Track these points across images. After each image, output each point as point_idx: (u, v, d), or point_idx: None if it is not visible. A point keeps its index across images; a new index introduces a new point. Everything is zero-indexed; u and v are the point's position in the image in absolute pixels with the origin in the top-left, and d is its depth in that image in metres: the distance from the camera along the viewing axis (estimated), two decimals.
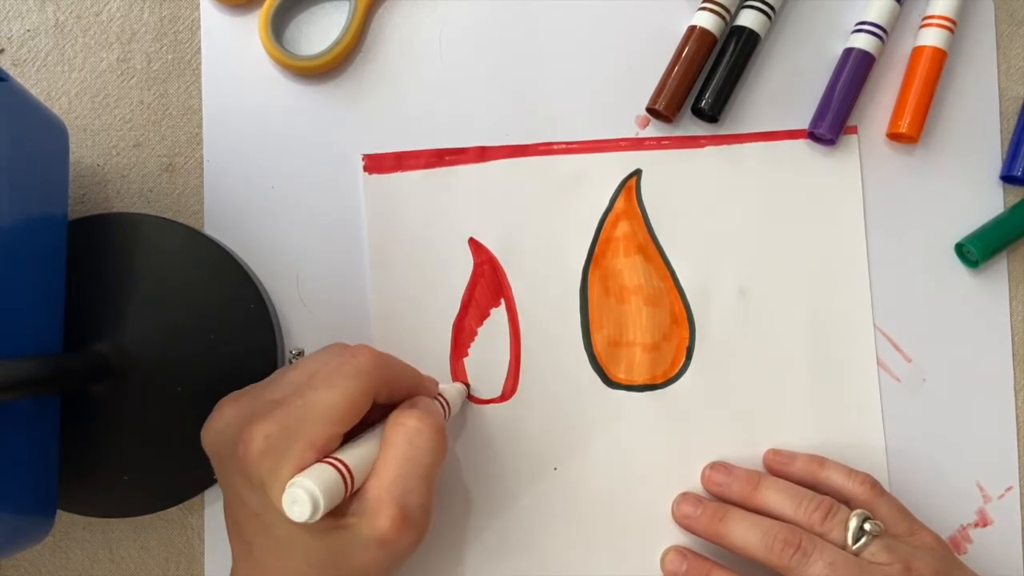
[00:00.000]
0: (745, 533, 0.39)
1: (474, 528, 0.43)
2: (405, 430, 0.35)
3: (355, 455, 0.34)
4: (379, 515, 0.34)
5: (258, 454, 0.33)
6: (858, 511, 0.39)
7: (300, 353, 0.43)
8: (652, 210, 0.45)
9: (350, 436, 0.35)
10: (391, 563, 0.35)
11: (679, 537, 0.43)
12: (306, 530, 0.33)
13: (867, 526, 0.38)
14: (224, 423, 0.36)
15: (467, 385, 0.44)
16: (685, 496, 0.43)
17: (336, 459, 0.33)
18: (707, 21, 0.44)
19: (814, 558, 0.37)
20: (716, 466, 0.43)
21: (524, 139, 0.45)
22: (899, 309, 0.45)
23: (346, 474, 0.33)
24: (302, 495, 0.31)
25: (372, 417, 0.36)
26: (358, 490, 0.34)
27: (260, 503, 0.34)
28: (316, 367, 0.36)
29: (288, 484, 0.32)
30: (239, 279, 0.42)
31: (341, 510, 0.34)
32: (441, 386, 0.42)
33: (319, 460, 0.33)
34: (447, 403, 0.40)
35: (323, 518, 0.32)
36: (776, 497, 0.40)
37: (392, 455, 0.35)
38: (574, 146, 0.45)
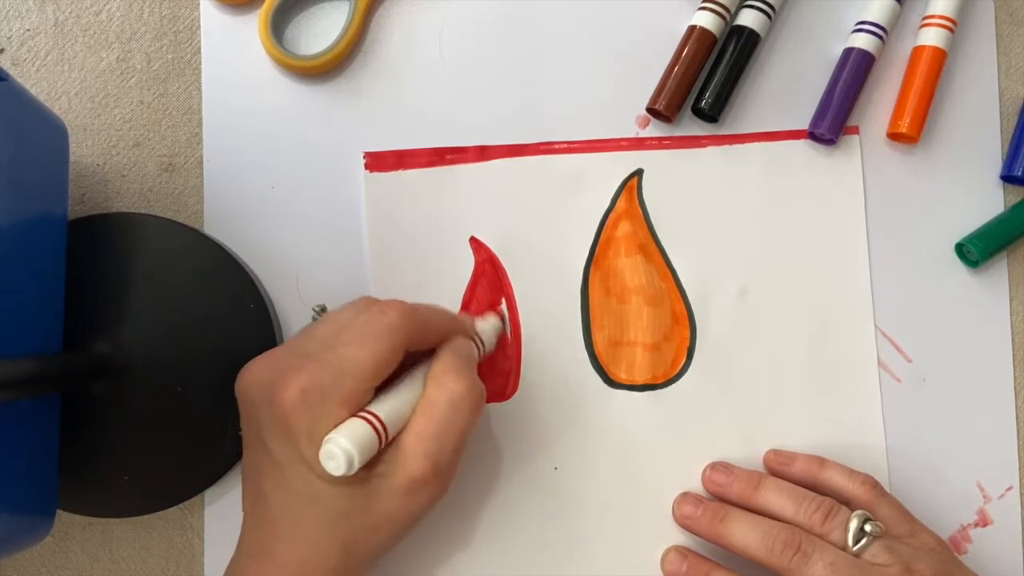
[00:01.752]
0: (745, 534, 0.39)
1: (473, 527, 0.43)
2: (449, 394, 0.36)
3: (389, 407, 0.35)
4: (412, 467, 0.34)
5: (292, 407, 0.33)
6: (859, 512, 0.39)
7: (323, 309, 0.43)
8: (653, 210, 0.45)
9: (384, 381, 0.35)
10: (411, 517, 0.35)
11: (679, 537, 0.43)
12: (331, 483, 0.34)
13: (867, 527, 0.38)
14: (261, 372, 0.36)
15: (501, 317, 0.44)
16: (685, 496, 0.43)
17: (370, 413, 0.34)
18: (707, 21, 0.44)
19: (814, 559, 0.37)
20: (716, 466, 0.43)
21: (524, 138, 0.45)
22: (899, 309, 0.45)
23: (380, 428, 0.34)
24: (338, 452, 0.32)
25: (407, 360, 0.36)
26: (392, 441, 0.35)
27: (286, 455, 0.34)
28: (345, 323, 0.36)
29: (324, 440, 0.32)
30: (239, 279, 0.42)
31: (373, 460, 0.34)
32: (476, 323, 0.42)
33: (353, 414, 0.34)
34: (482, 343, 0.41)
35: None
36: (776, 498, 0.40)
37: (433, 414, 0.35)
38: (575, 146, 0.45)
